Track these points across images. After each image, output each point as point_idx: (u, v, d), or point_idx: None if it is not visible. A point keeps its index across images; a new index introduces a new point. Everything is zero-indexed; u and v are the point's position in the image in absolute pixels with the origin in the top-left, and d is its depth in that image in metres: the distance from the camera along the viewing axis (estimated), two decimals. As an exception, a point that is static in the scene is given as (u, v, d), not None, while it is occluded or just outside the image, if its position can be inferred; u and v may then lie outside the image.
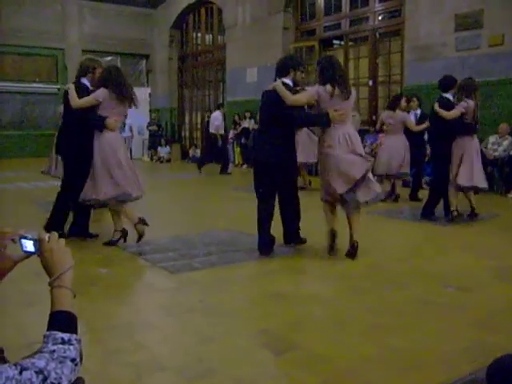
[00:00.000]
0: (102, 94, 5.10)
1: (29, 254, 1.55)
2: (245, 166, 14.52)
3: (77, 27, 18.22)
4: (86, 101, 5.15)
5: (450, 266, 4.58)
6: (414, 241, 5.67)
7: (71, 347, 1.35)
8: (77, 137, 5.29)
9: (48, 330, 1.38)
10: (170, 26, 18.70)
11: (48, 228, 5.16)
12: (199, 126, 18.63)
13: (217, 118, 13.31)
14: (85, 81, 5.40)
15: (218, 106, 13.70)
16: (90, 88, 5.37)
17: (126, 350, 2.81)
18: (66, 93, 5.34)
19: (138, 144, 17.99)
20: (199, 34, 18.33)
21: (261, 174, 4.94)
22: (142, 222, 5.10)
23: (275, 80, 4.92)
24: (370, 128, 11.78)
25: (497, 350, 2.36)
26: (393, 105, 8.13)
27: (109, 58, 18.94)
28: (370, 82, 12.37)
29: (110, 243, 5.16)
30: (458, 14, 9.80)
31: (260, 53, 14.35)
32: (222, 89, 17.40)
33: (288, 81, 4.87)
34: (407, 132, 8.09)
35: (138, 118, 16.47)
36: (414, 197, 8.25)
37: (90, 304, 3.51)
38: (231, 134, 15.30)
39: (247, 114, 14.62)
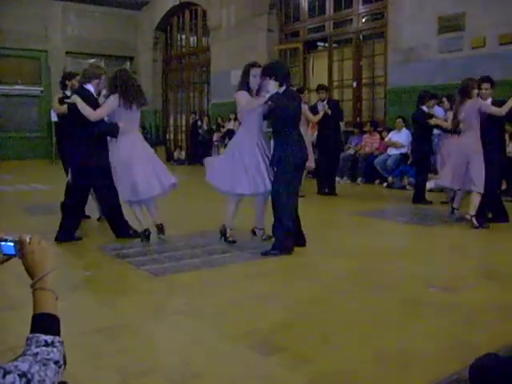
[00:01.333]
0: (115, 101, 5.22)
1: (9, 257, 1.54)
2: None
3: (60, 29, 18.07)
4: (103, 110, 5.24)
5: (436, 266, 4.60)
6: (401, 241, 5.69)
7: (54, 349, 1.34)
8: (82, 147, 5.35)
9: (31, 332, 1.37)
10: (154, 28, 18.64)
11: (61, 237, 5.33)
12: (184, 129, 18.58)
13: None
14: (90, 87, 5.37)
15: None
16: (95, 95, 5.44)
17: (110, 354, 2.78)
18: (70, 104, 5.36)
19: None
20: (183, 36, 18.30)
21: (298, 173, 5.09)
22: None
23: (289, 86, 5.11)
24: (354, 130, 11.83)
25: (482, 349, 2.38)
26: None
27: (92, 60, 18.83)
28: (354, 84, 12.43)
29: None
30: (441, 17, 9.89)
31: (244, 55, 14.31)
32: (207, 91, 17.39)
33: None
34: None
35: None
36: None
37: (73, 307, 3.48)
38: (216, 136, 15.28)
39: (232, 116, 14.61)
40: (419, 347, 2.84)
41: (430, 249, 5.27)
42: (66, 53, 18.21)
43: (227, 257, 4.85)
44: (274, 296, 3.77)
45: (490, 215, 6.33)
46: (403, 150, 10.27)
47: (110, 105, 5.25)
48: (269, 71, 5.03)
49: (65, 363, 1.54)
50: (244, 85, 5.21)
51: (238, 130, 5.44)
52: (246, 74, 5.22)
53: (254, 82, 5.17)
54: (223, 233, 5.38)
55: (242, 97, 5.18)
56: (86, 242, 5.40)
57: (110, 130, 5.27)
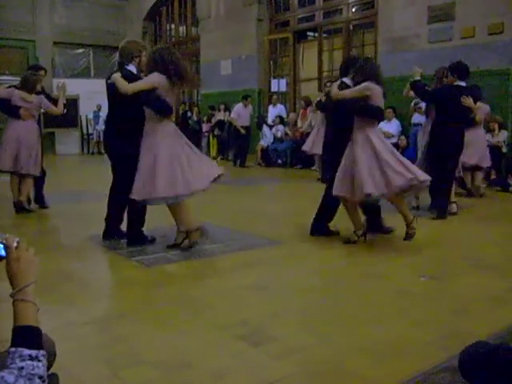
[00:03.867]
0: (157, 78, 4.48)
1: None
2: (219, 158, 14.47)
3: (48, 19, 17.87)
4: (137, 85, 4.48)
5: (425, 255, 4.63)
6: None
7: (39, 364, 1.33)
8: (133, 133, 4.67)
9: (12, 345, 1.35)
10: (143, 18, 18.50)
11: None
12: (173, 119, 18.47)
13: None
14: (131, 68, 4.77)
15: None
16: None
17: (101, 345, 2.78)
18: (112, 86, 4.63)
19: (112, 137, 17.79)
20: (172, 26, 18.18)
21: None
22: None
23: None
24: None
25: (471, 337, 2.39)
26: None
27: (81, 51, 18.69)
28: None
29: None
30: (431, 6, 9.88)
31: (234, 45, 14.30)
32: (197, 81, 17.28)
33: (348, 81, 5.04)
34: None
35: (112, 110, 16.30)
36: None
37: (64, 299, 3.47)
38: (206, 127, 15.23)
39: (222, 107, 14.54)
40: (409, 336, 2.85)
41: (421, 238, 5.28)
42: (54, 43, 18.03)
43: (217, 247, 4.84)
44: (263, 286, 3.77)
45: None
46: (393, 140, 10.29)
47: (149, 81, 4.50)
48: None
49: (54, 356, 1.53)
50: None
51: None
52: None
53: None
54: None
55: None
56: (75, 233, 5.37)
57: (166, 107, 4.57)
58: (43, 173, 6.78)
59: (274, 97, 13.31)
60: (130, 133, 4.69)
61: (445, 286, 3.75)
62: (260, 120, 13.26)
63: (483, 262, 4.38)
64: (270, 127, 13.03)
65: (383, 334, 2.89)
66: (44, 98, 6.59)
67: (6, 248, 1.45)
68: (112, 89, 4.64)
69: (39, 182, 6.77)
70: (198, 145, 15.73)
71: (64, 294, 3.54)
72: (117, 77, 4.53)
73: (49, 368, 1.58)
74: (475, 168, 7.53)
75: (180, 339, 2.85)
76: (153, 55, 4.63)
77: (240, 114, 12.83)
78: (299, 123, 12.40)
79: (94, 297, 3.64)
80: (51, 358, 1.66)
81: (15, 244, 1.46)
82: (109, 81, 4.72)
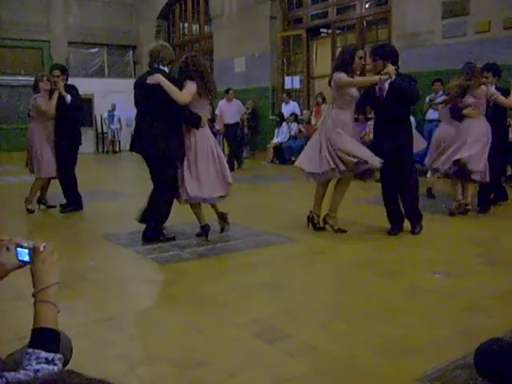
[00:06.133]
0: (194, 87, 4.62)
1: (23, 264, 1.54)
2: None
3: (62, 19, 18.00)
4: (190, 93, 4.59)
5: (439, 252, 4.60)
6: (406, 228, 5.67)
7: (55, 368, 1.35)
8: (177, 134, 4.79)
9: (31, 346, 1.36)
10: (157, 17, 18.55)
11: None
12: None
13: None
14: (166, 70, 4.79)
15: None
16: None
17: (117, 343, 2.80)
18: (146, 86, 4.59)
19: (127, 136, 17.88)
20: (186, 24, 18.21)
21: None
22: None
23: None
24: (358, 116, 11.76)
25: (486, 334, 2.38)
26: None
27: (95, 50, 18.79)
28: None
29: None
30: (445, 1, 9.80)
31: (247, 42, 14.29)
32: (210, 79, 17.31)
33: None
34: None
35: (127, 109, 16.36)
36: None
37: (79, 297, 3.50)
38: (218, 125, 15.21)
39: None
40: (424, 333, 2.84)
41: (431, 235, 5.25)
42: (69, 43, 18.15)
43: (231, 245, 4.86)
44: (277, 284, 3.77)
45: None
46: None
47: (191, 89, 4.60)
48: (384, 54, 5.01)
49: (71, 352, 1.55)
50: (348, 67, 5.07)
51: (337, 110, 5.18)
52: (350, 56, 5.10)
53: (358, 64, 5.14)
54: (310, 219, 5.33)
55: (344, 76, 5.06)
56: (90, 231, 5.41)
57: (194, 119, 4.73)
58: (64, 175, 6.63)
59: (284, 95, 13.29)
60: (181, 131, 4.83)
61: (459, 282, 3.73)
62: (280, 117, 13.22)
63: (497, 258, 4.35)
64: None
65: (397, 331, 2.88)
66: (38, 96, 6.56)
67: (33, 251, 1.50)
68: (155, 89, 4.55)
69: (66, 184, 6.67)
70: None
71: (79, 292, 3.58)
72: (165, 80, 4.54)
73: (66, 364, 1.60)
74: None
75: (194, 337, 2.87)
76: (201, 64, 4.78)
77: (223, 111, 11.88)
78: (313, 120, 12.38)
79: (108, 294, 3.67)
80: (68, 354, 1.68)
81: (42, 248, 1.50)
82: (149, 81, 4.58)
